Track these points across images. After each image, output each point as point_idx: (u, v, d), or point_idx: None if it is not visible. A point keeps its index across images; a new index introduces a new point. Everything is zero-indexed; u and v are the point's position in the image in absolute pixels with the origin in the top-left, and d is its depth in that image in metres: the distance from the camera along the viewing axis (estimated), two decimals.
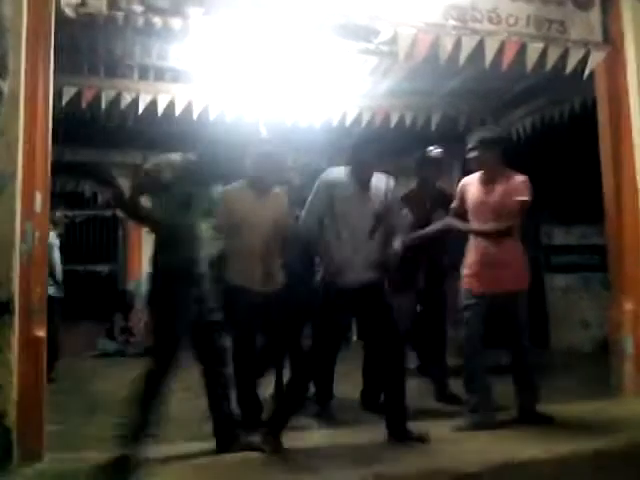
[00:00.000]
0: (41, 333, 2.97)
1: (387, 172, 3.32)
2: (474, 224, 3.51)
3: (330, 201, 3.14)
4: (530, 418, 3.41)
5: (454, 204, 3.69)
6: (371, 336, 3.21)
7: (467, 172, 4.30)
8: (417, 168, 4.42)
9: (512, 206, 3.40)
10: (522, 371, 3.49)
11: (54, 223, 5.83)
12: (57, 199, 5.95)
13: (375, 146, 3.29)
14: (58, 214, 6.09)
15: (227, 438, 2.96)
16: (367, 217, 3.16)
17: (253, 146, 3.63)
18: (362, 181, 3.22)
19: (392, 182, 3.30)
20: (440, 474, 2.71)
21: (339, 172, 3.25)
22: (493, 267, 3.39)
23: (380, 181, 3.28)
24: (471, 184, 3.58)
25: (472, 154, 3.54)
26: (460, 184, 3.68)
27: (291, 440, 3.05)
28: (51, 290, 5.53)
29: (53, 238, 5.69)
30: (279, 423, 3.06)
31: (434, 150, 4.39)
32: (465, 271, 3.51)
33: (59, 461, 2.87)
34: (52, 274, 5.57)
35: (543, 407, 3.50)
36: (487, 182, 3.50)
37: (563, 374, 5.26)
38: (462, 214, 3.60)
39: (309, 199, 3.21)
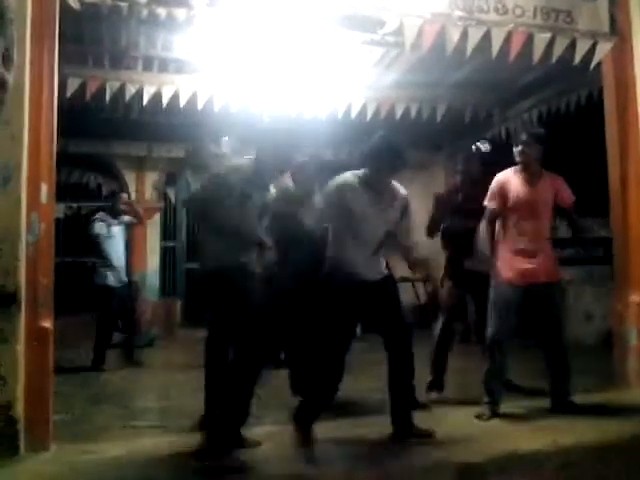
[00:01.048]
0: (47, 324, 2.97)
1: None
2: (513, 219, 3.48)
3: (342, 211, 3.05)
4: (564, 407, 3.44)
5: (493, 205, 3.52)
6: (380, 331, 3.14)
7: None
8: (464, 163, 4.23)
9: (562, 203, 3.54)
10: (559, 359, 3.50)
11: (115, 212, 5.74)
12: (62, 190, 5.91)
13: (396, 151, 3.10)
14: (125, 199, 5.93)
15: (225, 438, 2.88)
16: (379, 231, 3.09)
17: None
18: (377, 190, 3.11)
19: (407, 197, 3.20)
20: (445, 465, 2.72)
21: (352, 178, 3.12)
22: (531, 258, 3.42)
23: (396, 192, 3.17)
24: (511, 181, 3.51)
25: (525, 148, 3.49)
26: (497, 182, 3.54)
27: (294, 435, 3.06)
28: (110, 280, 5.58)
29: (101, 229, 5.62)
30: (309, 416, 3.00)
31: (483, 145, 4.24)
32: (501, 262, 3.47)
33: (66, 451, 2.89)
34: (108, 264, 5.57)
35: (547, 399, 3.52)
36: (529, 178, 3.49)
37: None
38: (499, 215, 3.54)
39: (321, 206, 3.14)
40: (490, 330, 3.46)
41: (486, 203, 3.56)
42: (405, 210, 3.19)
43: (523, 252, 3.43)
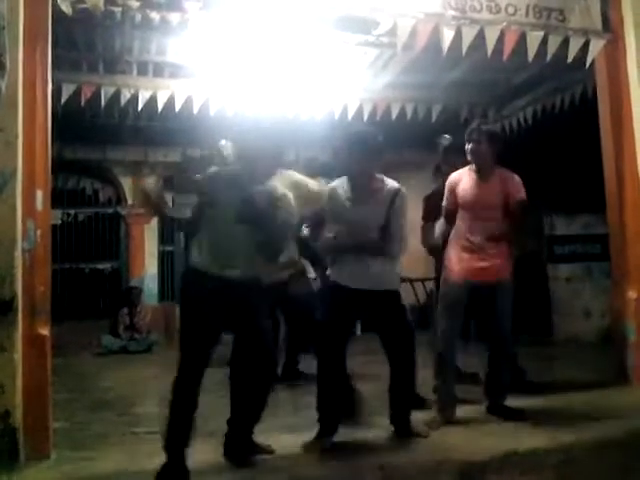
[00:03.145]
0: (45, 331, 2.96)
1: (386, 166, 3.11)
2: (464, 217, 3.39)
3: (329, 212, 3.01)
4: (499, 412, 3.36)
5: (445, 203, 3.49)
6: (382, 334, 3.09)
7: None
8: (444, 159, 4.10)
9: (511, 205, 3.33)
10: (497, 365, 3.40)
11: None
12: (58, 197, 5.81)
13: (363, 145, 2.95)
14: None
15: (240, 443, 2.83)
16: (366, 230, 2.96)
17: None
18: (359, 188, 3.00)
19: (400, 191, 3.04)
20: (446, 464, 2.71)
21: (339, 181, 3.06)
22: (480, 257, 3.32)
23: (385, 186, 3.04)
24: (462, 179, 3.43)
25: (473, 145, 3.40)
26: (450, 181, 3.48)
27: (297, 434, 3.06)
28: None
29: None
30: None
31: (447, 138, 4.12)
32: (450, 259, 3.39)
33: (66, 459, 2.88)
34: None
35: (546, 397, 3.51)
36: (481, 177, 3.39)
37: (566, 363, 5.26)
38: (454, 212, 3.46)
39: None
40: (438, 328, 3.35)
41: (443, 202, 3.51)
42: (393, 203, 2.98)
43: (472, 250, 3.33)
